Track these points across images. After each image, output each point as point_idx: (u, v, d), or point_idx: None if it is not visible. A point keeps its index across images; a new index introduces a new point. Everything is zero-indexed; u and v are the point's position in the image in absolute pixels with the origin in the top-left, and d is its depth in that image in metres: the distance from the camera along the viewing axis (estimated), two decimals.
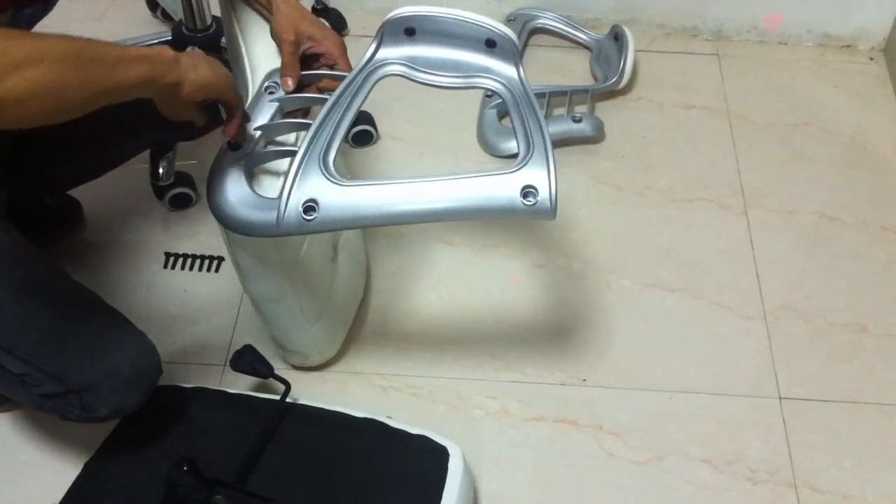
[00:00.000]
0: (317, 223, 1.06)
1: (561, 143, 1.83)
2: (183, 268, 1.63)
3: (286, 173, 1.08)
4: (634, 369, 1.51)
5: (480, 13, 2.15)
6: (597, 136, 1.86)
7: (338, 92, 1.13)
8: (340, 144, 1.10)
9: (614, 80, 1.93)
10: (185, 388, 1.35)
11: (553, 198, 1.02)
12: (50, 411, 1.18)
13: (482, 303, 1.59)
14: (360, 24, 2.10)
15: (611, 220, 1.73)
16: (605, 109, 1.93)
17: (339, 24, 2.06)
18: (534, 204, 1.02)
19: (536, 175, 1.03)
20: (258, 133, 1.16)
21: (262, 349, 1.38)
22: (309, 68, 1.21)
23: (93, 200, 1.67)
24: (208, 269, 1.62)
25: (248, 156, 1.14)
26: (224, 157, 1.15)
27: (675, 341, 1.55)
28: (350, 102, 1.13)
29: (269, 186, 1.15)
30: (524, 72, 1.12)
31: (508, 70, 1.12)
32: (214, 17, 1.81)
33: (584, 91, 1.92)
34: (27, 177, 1.39)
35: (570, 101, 1.89)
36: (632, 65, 1.95)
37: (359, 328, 1.55)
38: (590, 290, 1.62)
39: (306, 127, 1.12)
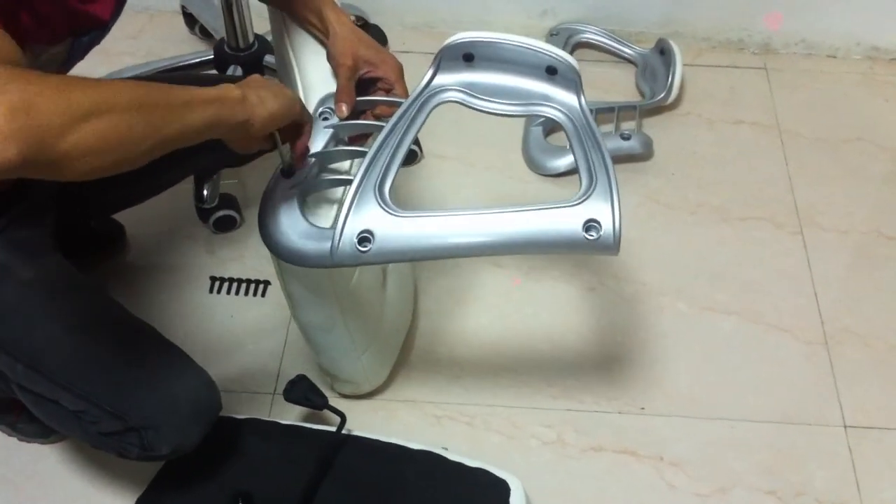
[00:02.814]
0: (372, 254, 1.02)
1: None
2: (229, 292, 1.60)
3: (341, 202, 1.05)
4: (694, 397, 1.46)
5: (522, 28, 2.14)
6: (645, 154, 1.82)
7: (394, 119, 1.10)
8: (397, 173, 1.07)
9: (662, 95, 1.89)
10: (236, 420, 1.32)
11: (617, 232, 0.98)
12: (108, 449, 1.15)
13: (534, 327, 1.56)
14: (401, 39, 2.07)
15: (662, 240, 1.69)
16: (652, 125, 1.89)
17: (378, 39, 2.01)
18: (596, 238, 0.98)
19: (600, 208, 0.99)
20: (312, 160, 1.13)
21: (310, 377, 1.35)
22: (366, 92, 1.18)
23: (136, 223, 1.65)
24: (254, 294, 1.59)
25: (302, 184, 1.11)
26: (277, 185, 1.11)
27: (734, 367, 1.51)
28: (406, 130, 1.10)
29: (323, 215, 1.12)
30: (585, 101, 1.08)
31: (569, 98, 1.09)
32: (257, 36, 1.78)
33: (632, 107, 1.88)
34: (70, 202, 1.37)
35: (617, 117, 1.85)
36: (680, 79, 1.91)
37: (407, 353, 1.51)
38: (644, 314, 1.57)
39: (362, 155, 1.09)
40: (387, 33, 2.06)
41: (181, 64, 1.82)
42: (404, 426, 1.42)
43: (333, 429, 1.30)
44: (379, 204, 1.04)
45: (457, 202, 1.75)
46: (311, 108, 1.19)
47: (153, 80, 0.86)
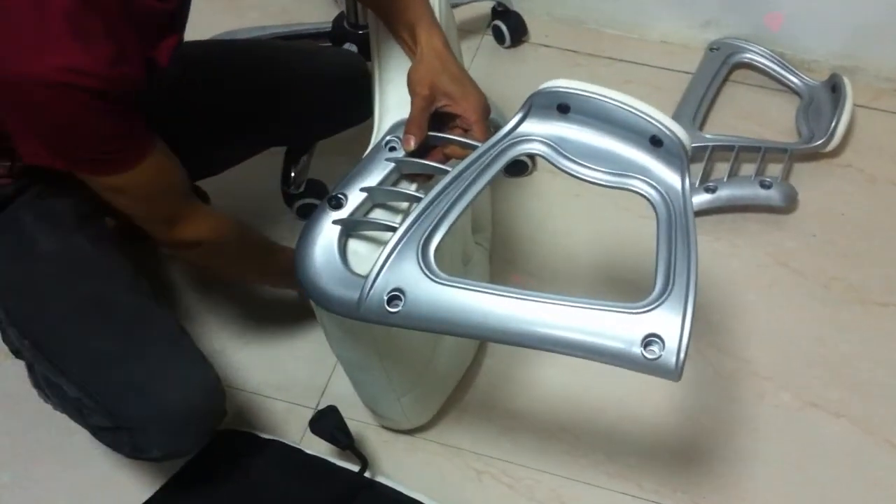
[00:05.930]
0: (399, 317, 0.90)
1: (742, 208, 1.57)
2: None
3: (380, 252, 0.93)
4: None
5: (682, 37, 1.91)
6: (786, 207, 1.59)
7: (463, 164, 0.97)
8: (450, 230, 0.94)
9: (821, 141, 1.64)
10: (261, 439, 1.26)
11: (682, 356, 0.81)
12: (103, 442, 1.12)
13: (607, 389, 1.39)
14: (544, 31, 1.90)
15: (782, 313, 1.48)
16: (802, 172, 1.66)
17: (518, 29, 1.87)
18: (655, 358, 0.82)
19: (667, 322, 0.83)
20: (364, 195, 1.01)
21: (356, 400, 1.27)
22: (442, 127, 1.05)
23: (223, 196, 1.58)
24: None
25: (347, 220, 1.00)
26: (321, 215, 1.01)
27: (829, 482, 1.30)
28: (474, 180, 0.96)
29: (367, 256, 1.00)
30: (689, 185, 0.91)
31: (671, 177, 0.92)
32: None
33: (782, 150, 1.65)
34: None
35: (762, 159, 1.63)
36: (846, 125, 1.66)
37: (464, 391, 1.39)
38: (739, 398, 1.38)
39: (418, 200, 0.97)
40: (530, 23, 1.89)
41: (296, 32, 1.72)
42: (440, 476, 1.31)
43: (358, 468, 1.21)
44: (419, 263, 0.92)
45: (557, 227, 1.60)
46: (381, 133, 1.07)
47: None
